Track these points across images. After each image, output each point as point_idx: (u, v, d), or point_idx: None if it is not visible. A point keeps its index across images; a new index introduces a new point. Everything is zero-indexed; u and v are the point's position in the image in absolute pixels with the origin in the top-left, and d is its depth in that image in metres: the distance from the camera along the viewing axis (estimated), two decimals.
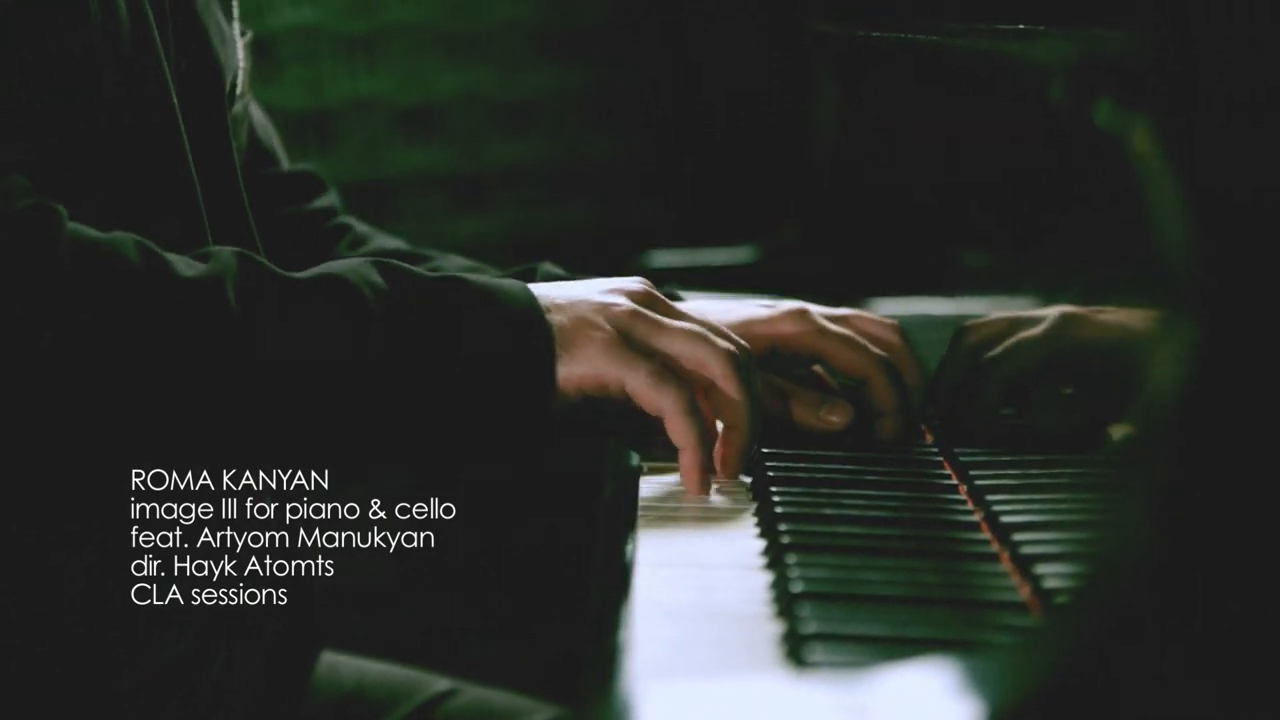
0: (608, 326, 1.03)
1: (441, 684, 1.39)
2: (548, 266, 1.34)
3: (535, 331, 1.02)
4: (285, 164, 1.45)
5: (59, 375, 0.95)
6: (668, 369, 1.03)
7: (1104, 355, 1.05)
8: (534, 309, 1.03)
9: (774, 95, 2.23)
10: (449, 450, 1.03)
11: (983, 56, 1.25)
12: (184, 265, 0.98)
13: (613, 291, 1.06)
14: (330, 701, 1.35)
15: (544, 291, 1.05)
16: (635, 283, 1.08)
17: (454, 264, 1.41)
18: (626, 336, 1.03)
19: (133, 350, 0.96)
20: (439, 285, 1.03)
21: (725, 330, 1.08)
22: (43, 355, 0.94)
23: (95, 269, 0.96)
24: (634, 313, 1.04)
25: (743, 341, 1.08)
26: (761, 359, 1.21)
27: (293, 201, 1.44)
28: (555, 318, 1.03)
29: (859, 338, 1.19)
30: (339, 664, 1.38)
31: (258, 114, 1.40)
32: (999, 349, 1.16)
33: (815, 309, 1.21)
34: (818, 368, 1.23)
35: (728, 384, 1.05)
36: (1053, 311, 1.13)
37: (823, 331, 1.19)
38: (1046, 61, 1.07)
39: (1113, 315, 1.05)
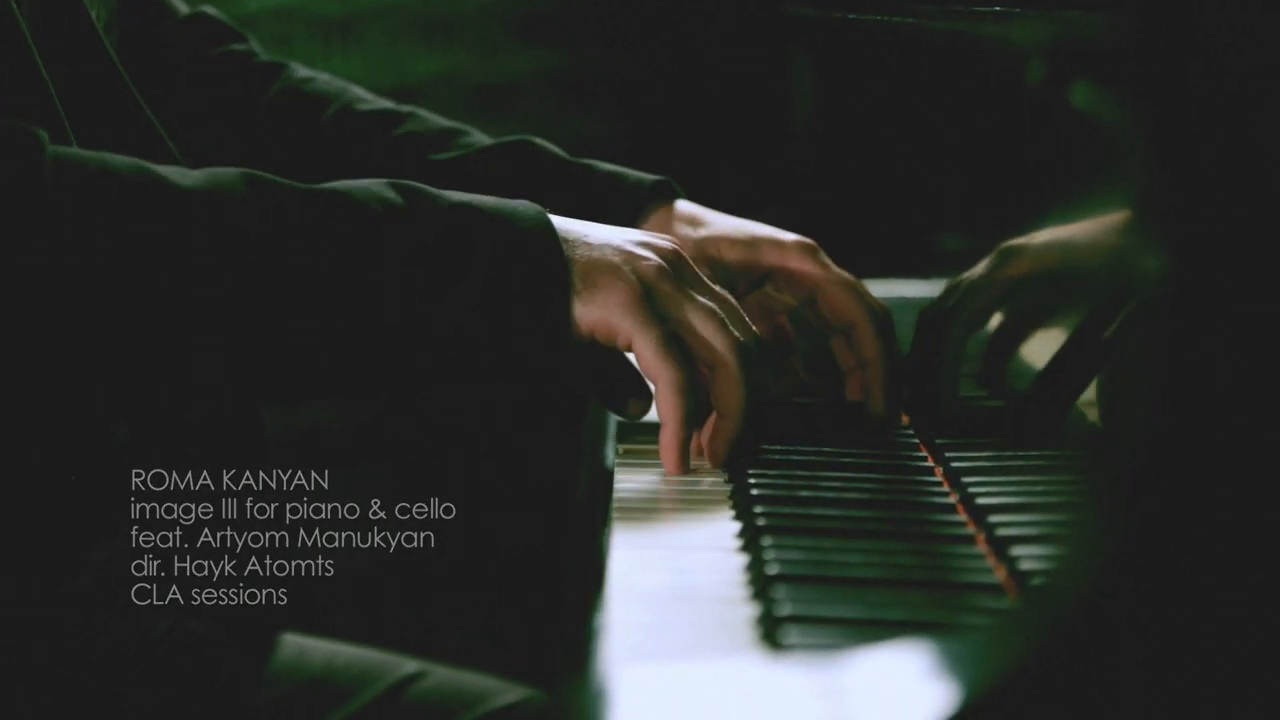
0: (633, 278, 1.02)
1: (411, 666, 1.38)
2: (541, 142, 1.32)
3: (550, 259, 1.00)
4: (182, 9, 1.38)
5: (52, 301, 0.92)
6: (677, 342, 1.02)
7: (1050, 277, 1.05)
8: (548, 234, 1.01)
9: (753, 78, 2.23)
10: (462, 372, 1.01)
11: (960, 39, 1.25)
12: (179, 175, 0.95)
13: (644, 245, 1.04)
14: (299, 684, 1.34)
15: (572, 226, 1.03)
16: (667, 242, 1.06)
17: (429, 122, 1.37)
18: (649, 294, 1.02)
19: (131, 270, 0.93)
20: (453, 210, 1.00)
21: (743, 316, 1.06)
22: (34, 283, 0.92)
23: (86, 187, 0.93)
24: (661, 271, 1.03)
25: (755, 330, 1.07)
26: (755, 281, 1.21)
27: (200, 46, 1.38)
28: (580, 252, 1.01)
29: (859, 284, 1.19)
30: (307, 647, 1.38)
31: None
32: (949, 302, 1.16)
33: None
34: (783, 317, 1.23)
35: (729, 372, 1.04)
36: (991, 255, 1.13)
37: (826, 269, 1.19)
38: (1024, 43, 1.07)
39: (1049, 235, 1.05)
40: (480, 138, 1.35)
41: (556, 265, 1.00)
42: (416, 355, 0.99)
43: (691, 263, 1.06)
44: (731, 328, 1.04)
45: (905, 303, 1.36)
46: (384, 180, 1.01)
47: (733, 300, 1.06)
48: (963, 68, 1.27)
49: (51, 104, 1.04)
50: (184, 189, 0.95)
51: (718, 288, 1.06)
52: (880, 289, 1.32)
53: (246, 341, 0.96)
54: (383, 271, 0.97)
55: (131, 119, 1.12)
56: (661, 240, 1.06)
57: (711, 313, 1.03)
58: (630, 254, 1.03)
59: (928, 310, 1.20)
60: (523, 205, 1.02)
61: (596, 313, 1.01)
